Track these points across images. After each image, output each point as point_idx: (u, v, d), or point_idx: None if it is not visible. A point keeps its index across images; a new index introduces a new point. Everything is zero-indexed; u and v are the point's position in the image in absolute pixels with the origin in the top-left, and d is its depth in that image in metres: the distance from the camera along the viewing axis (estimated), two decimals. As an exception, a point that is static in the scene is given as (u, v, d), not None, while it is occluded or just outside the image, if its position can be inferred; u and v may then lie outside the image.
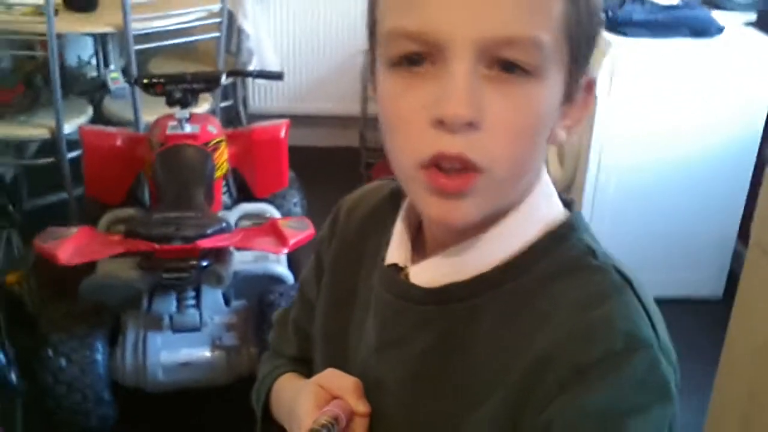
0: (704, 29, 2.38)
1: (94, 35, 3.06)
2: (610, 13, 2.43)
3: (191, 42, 2.80)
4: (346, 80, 3.31)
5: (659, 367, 0.55)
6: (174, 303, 1.95)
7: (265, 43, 3.15)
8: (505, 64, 0.54)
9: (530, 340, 0.58)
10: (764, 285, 1.55)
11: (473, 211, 0.58)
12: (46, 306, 2.11)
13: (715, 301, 2.60)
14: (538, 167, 0.62)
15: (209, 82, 2.26)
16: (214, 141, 2.20)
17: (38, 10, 2.42)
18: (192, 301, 1.97)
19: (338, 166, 3.38)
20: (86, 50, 3.26)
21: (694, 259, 2.60)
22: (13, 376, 1.85)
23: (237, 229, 2.11)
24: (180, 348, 1.97)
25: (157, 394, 1.99)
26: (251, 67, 3.04)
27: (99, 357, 1.90)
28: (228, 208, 2.36)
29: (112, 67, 3.00)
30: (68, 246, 1.82)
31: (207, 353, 1.99)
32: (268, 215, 2.30)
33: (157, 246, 1.81)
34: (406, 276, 0.65)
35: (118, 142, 2.31)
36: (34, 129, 2.63)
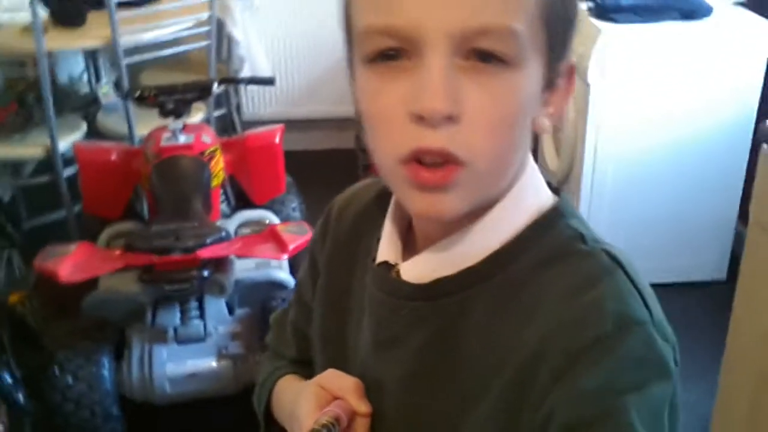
0: (694, 11, 2.37)
1: (84, 51, 3.06)
2: (598, 0, 2.43)
3: (182, 52, 2.80)
4: (339, 82, 3.28)
5: (655, 345, 0.55)
6: (178, 315, 1.94)
7: (256, 49, 3.14)
8: (482, 55, 0.54)
9: (521, 334, 0.57)
10: (766, 263, 1.55)
11: (457, 205, 0.57)
12: (50, 324, 2.11)
13: (719, 284, 2.59)
14: (522, 157, 0.61)
15: (201, 92, 2.26)
16: (210, 150, 2.20)
17: (28, 29, 2.42)
18: (195, 312, 1.97)
19: (335, 169, 3.37)
20: (77, 66, 3.27)
21: (695, 243, 2.60)
22: (21, 396, 1.85)
23: (236, 237, 2.11)
24: (186, 359, 1.97)
25: (165, 407, 1.99)
26: (243, 74, 3.04)
27: (105, 372, 1.90)
28: (227, 216, 2.36)
29: (103, 81, 3.00)
30: (68, 263, 1.81)
31: (213, 363, 1.99)
32: (267, 222, 2.30)
33: (156, 258, 1.81)
34: (397, 273, 0.65)
35: (113, 157, 2.30)
36: (29, 148, 2.63)
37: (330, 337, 0.74)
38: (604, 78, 2.35)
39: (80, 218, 2.63)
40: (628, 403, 0.52)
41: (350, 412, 0.63)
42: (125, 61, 2.55)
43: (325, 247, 0.76)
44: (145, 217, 2.33)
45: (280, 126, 2.44)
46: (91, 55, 3.15)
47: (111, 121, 2.81)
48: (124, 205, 2.34)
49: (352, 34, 0.59)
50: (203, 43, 2.75)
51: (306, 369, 0.78)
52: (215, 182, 2.21)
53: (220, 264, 1.94)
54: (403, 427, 0.64)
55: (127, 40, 2.53)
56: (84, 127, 2.78)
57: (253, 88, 3.45)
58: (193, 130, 2.22)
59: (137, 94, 2.21)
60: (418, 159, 0.55)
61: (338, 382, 0.66)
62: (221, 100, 3.18)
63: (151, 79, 2.88)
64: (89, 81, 3.21)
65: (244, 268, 2.06)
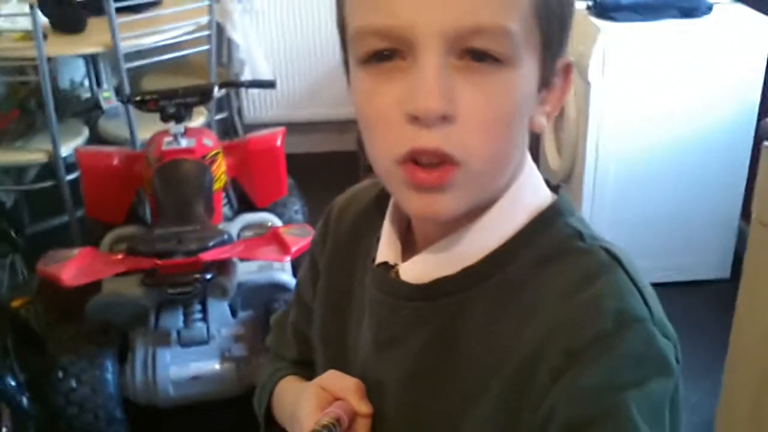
0: (693, 8, 2.37)
1: (84, 56, 3.07)
2: (598, -1, 2.43)
3: (182, 57, 2.80)
4: (340, 85, 3.27)
5: (655, 342, 0.55)
6: (181, 318, 1.95)
7: (256, 52, 3.15)
8: (476, 54, 0.53)
9: (521, 333, 0.57)
10: (769, 261, 1.55)
11: (454, 205, 0.57)
12: (54, 329, 2.12)
13: (723, 282, 2.58)
14: (519, 156, 0.61)
15: (202, 96, 2.26)
16: (211, 154, 2.21)
17: (28, 36, 2.43)
18: (199, 315, 1.97)
19: (337, 171, 3.37)
20: (78, 72, 3.28)
21: (698, 242, 2.59)
22: (24, 400, 1.85)
23: (239, 240, 2.12)
24: (189, 362, 1.97)
25: (168, 410, 1.99)
26: (243, 78, 3.04)
27: (109, 376, 1.90)
28: (229, 219, 2.36)
29: (104, 86, 3.01)
30: (71, 267, 1.82)
31: (216, 366, 1.99)
32: (269, 224, 2.30)
33: (159, 262, 1.81)
34: (397, 274, 0.65)
35: (115, 162, 2.31)
36: (31, 154, 2.64)
37: (330, 338, 0.74)
38: (604, 76, 2.35)
39: (83, 223, 2.63)
40: (628, 399, 0.52)
41: (351, 412, 0.63)
42: (126, 66, 2.56)
43: (326, 248, 0.76)
44: (148, 221, 2.34)
45: (281, 129, 2.44)
46: (92, 61, 3.15)
47: (112, 126, 2.81)
48: (127, 210, 2.35)
49: (346, 35, 0.59)
50: (203, 48, 2.76)
51: (306, 370, 0.78)
52: (217, 185, 2.21)
53: (223, 267, 1.95)
54: (403, 427, 0.64)
55: (127, 45, 2.53)
56: (86, 132, 2.79)
57: (253, 92, 3.45)
58: (195, 133, 2.23)
59: (138, 98, 2.22)
60: (415, 159, 0.55)
61: (339, 382, 0.66)
62: (222, 104, 3.18)
63: (152, 83, 2.89)
64: (90, 86, 3.22)
65: (246, 271, 2.07)
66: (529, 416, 0.55)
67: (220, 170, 2.23)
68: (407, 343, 0.64)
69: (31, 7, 2.33)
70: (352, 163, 3.28)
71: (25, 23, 2.43)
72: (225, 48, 3.14)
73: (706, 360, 1.92)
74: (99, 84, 3.15)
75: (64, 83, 3.20)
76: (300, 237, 1.94)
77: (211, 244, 1.83)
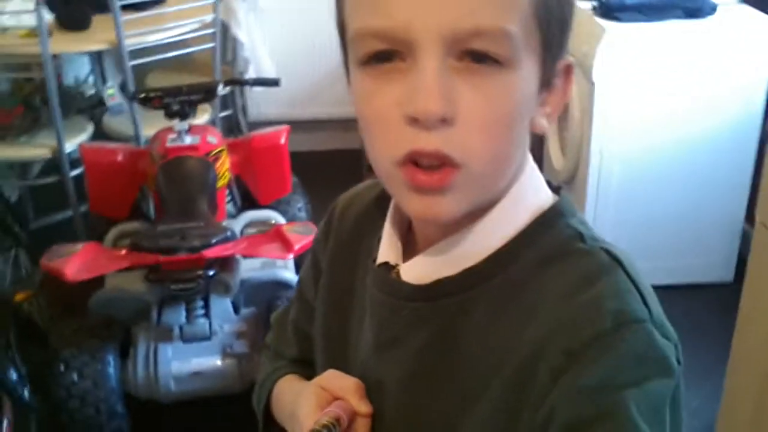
0: (697, 9, 2.37)
1: (89, 53, 3.08)
2: None
3: (187, 54, 2.81)
4: (344, 83, 3.27)
5: (654, 342, 0.54)
6: (183, 313, 1.95)
7: (260, 50, 3.15)
8: (475, 56, 0.53)
9: (521, 334, 0.57)
10: (772, 264, 1.54)
11: (454, 207, 0.57)
12: (56, 322, 2.12)
13: (726, 285, 2.57)
14: (520, 157, 0.61)
15: (206, 93, 2.27)
16: (215, 151, 2.21)
17: (33, 32, 2.44)
18: (201, 311, 1.98)
19: (341, 169, 3.37)
20: (83, 68, 3.28)
21: (702, 244, 2.58)
22: (26, 393, 1.86)
23: (242, 237, 2.12)
24: (191, 358, 1.98)
25: (169, 405, 1.99)
26: (248, 76, 3.05)
27: (111, 370, 1.91)
28: (233, 216, 2.37)
29: (109, 83, 3.01)
30: (74, 262, 1.83)
31: (218, 362, 2.00)
32: (273, 222, 2.31)
33: (161, 258, 1.82)
34: (398, 274, 0.65)
35: (119, 158, 2.32)
36: (35, 149, 2.64)
37: (332, 337, 0.74)
38: (608, 77, 2.35)
39: (87, 218, 2.64)
40: (628, 398, 0.52)
41: (351, 412, 0.63)
42: (130, 64, 2.56)
43: (328, 246, 0.76)
44: (151, 217, 2.35)
45: (285, 127, 2.45)
46: (97, 58, 3.16)
47: (117, 123, 2.82)
48: (130, 206, 2.35)
49: (346, 37, 0.59)
50: (208, 45, 2.76)
51: (306, 369, 0.78)
52: (221, 183, 2.22)
53: (226, 263, 1.95)
54: (403, 427, 0.64)
55: (132, 42, 2.54)
56: (90, 128, 2.79)
57: (258, 90, 3.44)
58: (199, 131, 2.24)
59: (143, 95, 2.23)
60: (414, 161, 0.55)
61: (339, 382, 0.66)
62: (227, 102, 3.18)
63: (157, 80, 2.90)
64: (95, 83, 3.23)
65: (249, 268, 2.07)
66: (529, 416, 0.55)
67: (224, 167, 2.24)
68: (407, 344, 0.64)
69: (37, 4, 2.34)
70: (355, 162, 3.28)
71: (30, 20, 2.44)
72: (229, 46, 3.14)
73: (707, 363, 1.92)
74: (104, 81, 3.15)
75: (69, 80, 3.21)
76: (303, 235, 1.94)
77: (214, 240, 1.84)
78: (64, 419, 1.89)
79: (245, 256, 2.05)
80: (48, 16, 2.47)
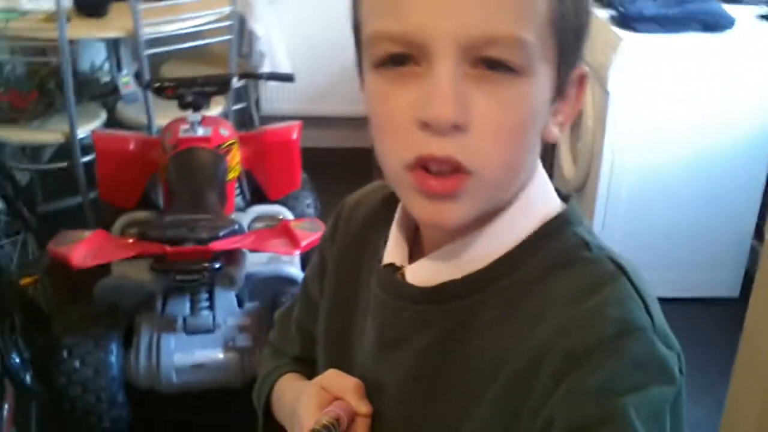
0: (716, 23, 2.35)
1: (106, 40, 3.09)
2: (621, 9, 2.42)
3: (203, 45, 2.81)
4: (358, 81, 3.31)
5: (655, 349, 0.54)
6: (187, 305, 1.96)
7: (277, 45, 3.16)
8: (490, 63, 0.53)
9: (524, 339, 0.57)
10: (780, 282, 1.53)
11: (464, 213, 0.57)
12: (61, 308, 2.13)
13: (732, 301, 2.56)
14: (531, 165, 0.61)
15: (220, 85, 2.27)
16: (227, 143, 2.22)
17: (51, 17, 2.45)
18: (205, 303, 1.98)
19: (351, 168, 3.35)
20: (99, 55, 3.29)
21: (710, 258, 2.57)
22: (28, 378, 1.86)
23: (249, 231, 2.12)
24: (193, 350, 1.98)
25: (170, 396, 2.00)
26: (263, 70, 3.05)
27: (113, 359, 1.91)
28: (241, 210, 2.37)
29: (124, 71, 3.02)
30: (81, 249, 1.83)
31: (220, 355, 2.00)
32: (281, 217, 2.31)
33: (168, 248, 1.82)
34: (403, 276, 0.65)
35: (131, 146, 2.32)
36: (48, 134, 2.66)
37: (335, 336, 0.74)
38: (623, 87, 2.34)
39: (95, 205, 2.65)
40: (628, 403, 0.52)
41: (351, 412, 0.63)
42: (146, 53, 2.57)
43: (335, 246, 0.76)
44: (160, 207, 2.35)
45: (297, 122, 2.45)
46: (113, 45, 3.17)
47: (130, 111, 2.83)
48: (140, 195, 2.36)
49: (361, 37, 0.59)
50: (224, 38, 2.76)
51: (307, 368, 0.78)
52: (231, 175, 2.22)
53: (232, 257, 1.95)
54: (402, 428, 0.64)
55: (148, 31, 2.54)
56: (103, 115, 2.81)
57: (272, 84, 3.46)
58: (211, 123, 2.24)
59: (157, 85, 2.23)
60: (424, 166, 0.55)
61: (339, 382, 0.66)
62: (240, 95, 3.19)
63: (172, 70, 2.91)
64: (110, 70, 3.24)
65: (255, 262, 2.07)
66: (529, 421, 0.55)
67: (235, 160, 2.24)
68: (410, 345, 0.64)
69: (56, -12, 2.35)
70: (366, 161, 3.26)
71: (49, 5, 2.45)
72: (246, 39, 3.15)
73: (711, 376, 1.91)
74: (119, 68, 3.16)
75: (84, 66, 3.22)
76: (310, 231, 1.94)
77: (221, 233, 1.84)
78: (65, 406, 1.90)
79: (252, 251, 2.05)
80: (66, 1, 2.47)
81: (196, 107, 2.17)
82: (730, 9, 2.42)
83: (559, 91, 0.58)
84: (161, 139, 2.25)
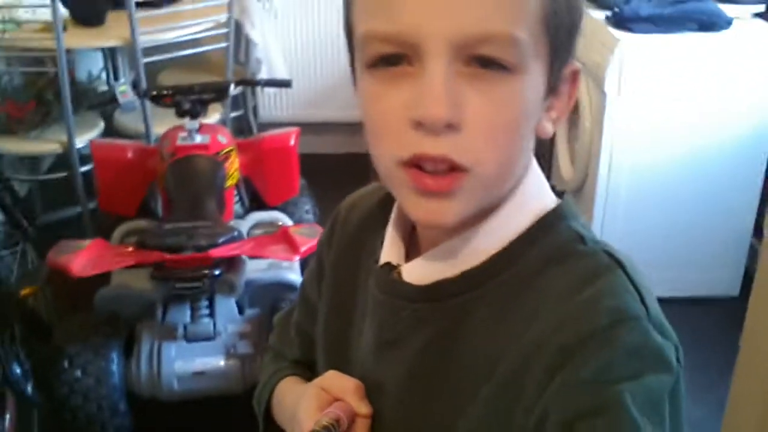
0: (712, 23, 2.36)
1: (103, 49, 3.09)
2: (616, 9, 2.42)
3: (200, 53, 2.82)
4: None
5: (650, 338, 0.54)
6: (188, 313, 1.95)
7: (274, 51, 3.16)
8: (483, 61, 0.53)
9: (521, 335, 0.57)
10: (779, 280, 1.54)
11: (460, 211, 0.57)
12: (61, 318, 2.13)
13: (731, 300, 2.56)
14: (526, 161, 0.61)
15: (218, 93, 2.27)
16: (225, 150, 2.22)
17: (48, 27, 2.45)
18: (206, 311, 1.98)
19: (349, 173, 3.35)
20: (96, 64, 3.30)
21: (709, 257, 2.58)
22: (29, 388, 1.86)
23: (249, 238, 2.12)
24: (194, 357, 1.98)
25: (171, 404, 1.99)
26: (260, 76, 3.05)
27: (114, 367, 1.91)
28: (240, 216, 2.37)
29: (121, 80, 3.03)
30: (81, 258, 1.83)
31: (221, 362, 2.00)
32: (280, 223, 2.31)
33: (168, 256, 1.82)
34: (399, 274, 0.65)
35: (129, 155, 2.33)
36: (46, 144, 2.66)
37: (333, 338, 0.74)
38: (620, 87, 2.34)
39: (95, 215, 2.65)
40: (623, 390, 0.52)
41: (351, 413, 0.63)
42: (144, 61, 2.57)
43: (332, 248, 0.77)
44: (159, 216, 2.35)
45: (295, 129, 2.45)
46: (110, 54, 3.17)
47: (128, 120, 2.83)
48: (139, 203, 2.36)
49: (353, 38, 0.59)
50: (221, 45, 2.77)
51: (308, 371, 0.79)
52: (229, 182, 2.22)
53: (232, 264, 1.95)
54: (402, 428, 0.64)
55: (145, 39, 2.55)
56: (101, 124, 2.81)
57: (269, 91, 3.46)
58: (209, 130, 2.24)
59: (155, 93, 2.23)
60: (419, 165, 0.55)
61: (339, 383, 0.66)
62: (238, 102, 3.19)
63: (169, 79, 2.91)
64: (108, 79, 3.24)
65: (255, 269, 2.07)
66: (523, 418, 0.55)
67: (233, 167, 2.24)
68: (408, 344, 0.64)
69: (53, -2, 2.35)
70: (363, 166, 3.26)
71: (45, 14, 2.45)
72: (243, 46, 3.15)
73: (712, 376, 1.91)
74: (116, 77, 3.17)
75: (82, 75, 3.22)
76: (309, 237, 1.94)
77: (221, 240, 1.84)
78: (67, 416, 1.89)
79: (251, 257, 2.05)
80: (63, 11, 2.48)
81: (194, 115, 2.17)
82: (725, 8, 2.42)
83: (552, 88, 0.59)
84: (159, 147, 2.25)
